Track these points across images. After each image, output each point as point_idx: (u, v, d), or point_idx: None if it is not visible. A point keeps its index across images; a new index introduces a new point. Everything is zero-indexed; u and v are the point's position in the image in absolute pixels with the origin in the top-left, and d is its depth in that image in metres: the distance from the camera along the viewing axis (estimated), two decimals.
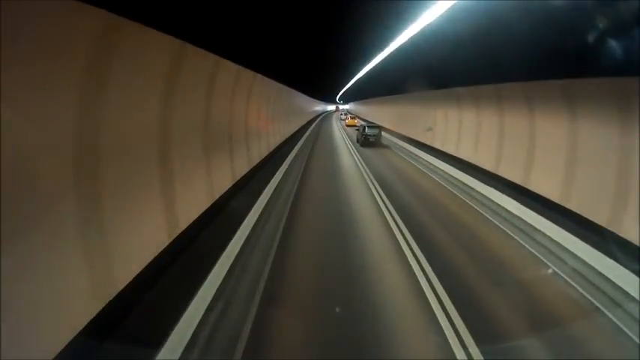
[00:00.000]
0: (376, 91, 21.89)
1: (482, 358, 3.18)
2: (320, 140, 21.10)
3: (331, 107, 58.75)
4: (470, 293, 4.27)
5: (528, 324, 3.71)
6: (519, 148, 7.50)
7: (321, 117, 44.32)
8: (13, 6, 1.95)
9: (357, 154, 15.24)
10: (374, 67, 11.29)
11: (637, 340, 3.41)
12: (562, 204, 6.01)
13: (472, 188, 8.93)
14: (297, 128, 22.05)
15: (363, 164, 12.83)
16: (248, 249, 5.21)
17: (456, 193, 9.04)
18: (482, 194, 8.33)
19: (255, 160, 9.67)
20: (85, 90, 2.72)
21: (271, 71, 9.37)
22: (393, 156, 15.33)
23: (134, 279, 3.43)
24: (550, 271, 4.88)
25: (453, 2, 4.11)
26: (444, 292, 4.22)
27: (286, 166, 11.27)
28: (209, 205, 5.76)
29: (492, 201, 7.78)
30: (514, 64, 5.67)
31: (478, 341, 3.36)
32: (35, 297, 2.31)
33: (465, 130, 10.89)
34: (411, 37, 6.18)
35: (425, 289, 4.30)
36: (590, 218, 5.30)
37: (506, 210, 7.09)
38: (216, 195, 6.18)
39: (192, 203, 5.17)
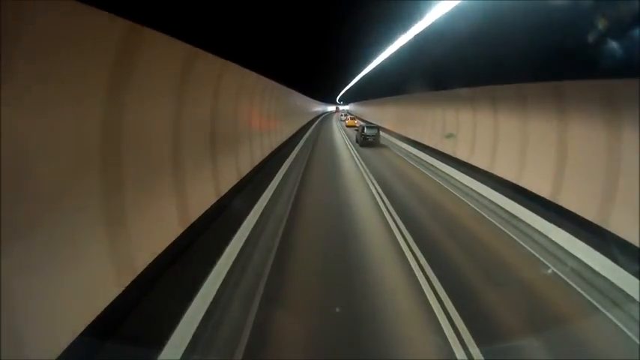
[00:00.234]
0: (377, 91, 21.90)
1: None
2: (320, 140, 21.19)
3: (331, 108, 58.79)
4: None
5: None
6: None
7: (321, 118, 44.36)
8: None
9: (357, 153, 15.26)
10: (374, 67, 11.29)
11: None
12: None
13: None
14: (297, 129, 22.11)
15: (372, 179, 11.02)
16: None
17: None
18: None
19: (258, 160, 9.88)
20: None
21: (272, 72, 9.40)
22: (412, 172, 12.02)
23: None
24: None
25: (458, 2, 4.05)
26: None
27: (289, 163, 11.88)
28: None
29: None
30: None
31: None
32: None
33: (503, 140, 8.21)
34: (417, 35, 5.89)
35: None
36: None
37: None
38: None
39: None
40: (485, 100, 8.81)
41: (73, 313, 2.65)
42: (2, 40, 1.93)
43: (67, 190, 2.64)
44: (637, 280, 3.91)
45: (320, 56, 9.30)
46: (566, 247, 5.25)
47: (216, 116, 6.00)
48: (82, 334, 2.60)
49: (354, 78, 17.90)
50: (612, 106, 4.91)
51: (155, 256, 3.81)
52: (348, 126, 30.32)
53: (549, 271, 4.90)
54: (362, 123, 23.81)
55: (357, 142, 18.99)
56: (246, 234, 5.54)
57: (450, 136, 11.70)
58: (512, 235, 6.17)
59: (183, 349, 3.02)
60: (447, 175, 10.69)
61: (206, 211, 5.34)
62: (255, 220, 6.18)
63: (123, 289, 3.20)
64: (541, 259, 5.24)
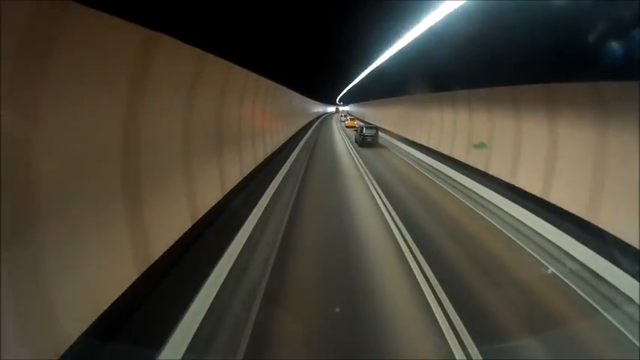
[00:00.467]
0: (378, 92, 21.91)
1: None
2: (320, 140, 21.22)
3: (331, 109, 58.81)
4: None
5: None
6: None
7: (321, 119, 44.36)
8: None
9: (357, 154, 15.28)
10: (375, 68, 11.29)
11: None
12: None
13: None
14: (298, 129, 22.16)
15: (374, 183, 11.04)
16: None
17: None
18: None
19: (261, 158, 10.29)
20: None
21: (273, 73, 9.41)
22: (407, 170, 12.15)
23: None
24: None
25: (462, 2, 4.01)
26: None
27: (291, 161, 12.25)
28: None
29: None
30: None
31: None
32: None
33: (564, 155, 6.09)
34: (416, 38, 5.87)
35: None
36: None
37: None
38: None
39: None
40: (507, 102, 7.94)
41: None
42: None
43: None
44: None
45: (320, 56, 9.31)
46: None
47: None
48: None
49: (354, 79, 17.93)
50: None
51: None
52: (347, 126, 30.56)
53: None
54: (361, 123, 23.89)
55: (356, 142, 19.02)
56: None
57: (480, 145, 9.45)
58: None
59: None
60: (445, 175, 10.82)
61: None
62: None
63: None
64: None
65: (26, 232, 2.20)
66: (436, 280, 4.55)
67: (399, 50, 7.29)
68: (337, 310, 3.95)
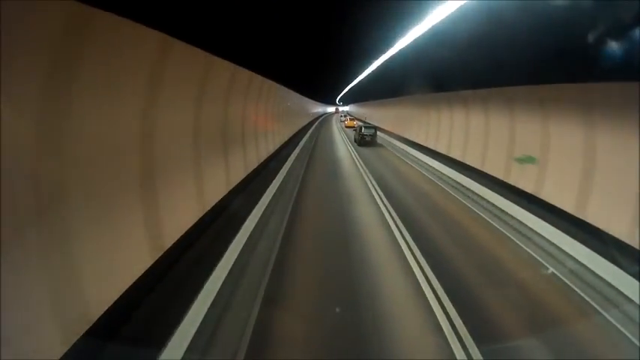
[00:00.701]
0: (378, 93, 21.92)
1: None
2: (320, 140, 21.22)
3: (331, 109, 58.78)
4: None
5: None
6: None
7: (320, 119, 44.33)
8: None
9: (357, 155, 15.28)
10: (376, 68, 11.31)
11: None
12: None
13: None
14: (298, 129, 22.17)
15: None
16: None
17: None
18: None
19: (264, 156, 10.61)
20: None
21: (274, 73, 9.42)
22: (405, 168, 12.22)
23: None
24: None
25: (462, 2, 4.03)
26: None
27: (292, 160, 12.58)
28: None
29: None
30: None
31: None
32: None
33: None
34: (417, 38, 5.95)
35: None
36: None
37: None
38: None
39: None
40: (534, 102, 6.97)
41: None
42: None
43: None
44: None
45: (320, 56, 9.33)
46: None
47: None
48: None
49: (354, 79, 17.96)
50: None
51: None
52: (347, 127, 30.66)
53: None
54: (360, 123, 23.91)
55: (355, 141, 19.06)
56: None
57: (527, 160, 7.11)
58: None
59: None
60: (441, 172, 11.09)
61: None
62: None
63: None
64: None
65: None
66: (436, 282, 4.56)
67: (399, 50, 7.30)
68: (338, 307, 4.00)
